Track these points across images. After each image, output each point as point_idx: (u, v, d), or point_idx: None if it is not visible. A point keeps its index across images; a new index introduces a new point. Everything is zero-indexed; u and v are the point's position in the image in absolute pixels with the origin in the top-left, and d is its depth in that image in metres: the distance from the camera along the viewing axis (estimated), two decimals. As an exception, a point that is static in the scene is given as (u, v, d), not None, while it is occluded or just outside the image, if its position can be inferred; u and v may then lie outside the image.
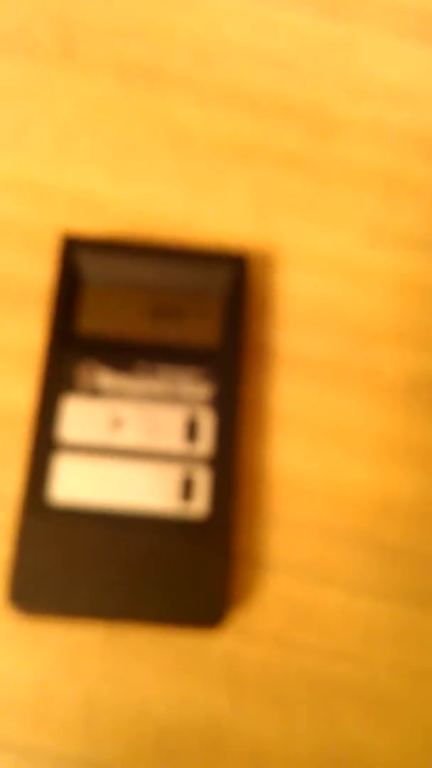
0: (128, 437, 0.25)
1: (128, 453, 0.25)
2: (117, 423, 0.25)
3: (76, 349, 0.26)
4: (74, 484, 0.24)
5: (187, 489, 0.24)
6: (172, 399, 0.25)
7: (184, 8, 0.34)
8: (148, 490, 0.24)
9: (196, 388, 0.26)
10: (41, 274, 0.28)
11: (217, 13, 0.34)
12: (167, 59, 0.33)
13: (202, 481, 0.24)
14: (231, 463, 0.25)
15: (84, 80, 0.32)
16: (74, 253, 0.27)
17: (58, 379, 0.25)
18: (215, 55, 0.33)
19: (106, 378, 0.26)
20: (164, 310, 0.27)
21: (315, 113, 0.32)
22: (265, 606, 0.24)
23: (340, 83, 0.33)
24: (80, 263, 0.27)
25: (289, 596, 0.25)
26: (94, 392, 0.25)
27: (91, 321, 0.27)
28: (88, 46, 0.33)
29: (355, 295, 0.29)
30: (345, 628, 0.24)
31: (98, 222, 0.29)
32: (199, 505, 0.24)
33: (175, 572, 0.23)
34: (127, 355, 0.26)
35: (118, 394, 0.25)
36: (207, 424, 0.25)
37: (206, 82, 0.32)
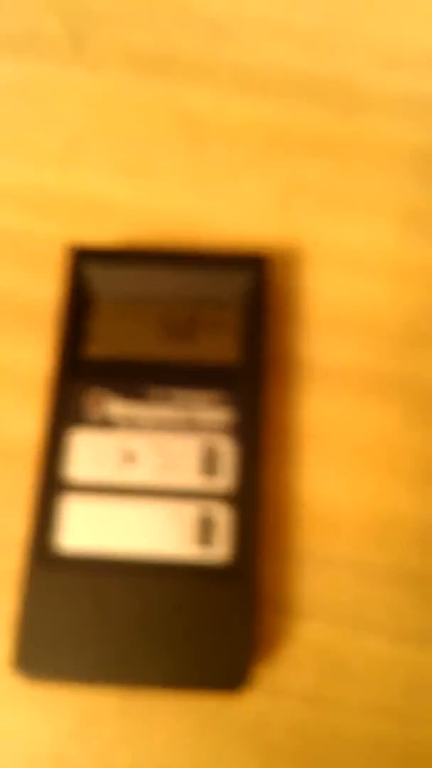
0: (141, 473, 0.23)
1: (141, 491, 0.22)
2: (129, 457, 0.23)
3: (84, 375, 0.24)
4: (83, 529, 0.22)
5: (206, 530, 0.22)
6: (188, 427, 0.23)
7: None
8: (164, 534, 0.22)
9: (214, 413, 0.23)
10: (47, 290, 0.26)
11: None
12: (179, 42, 0.30)
13: (223, 520, 0.22)
14: (254, 498, 0.22)
15: (93, 75, 0.29)
16: (81, 265, 0.25)
17: (65, 411, 0.23)
18: (230, 32, 0.30)
19: (116, 407, 0.23)
20: (178, 325, 0.24)
21: (341, 89, 0.29)
22: (296, 658, 0.22)
23: (370, 52, 0.29)
24: (88, 275, 0.25)
25: (321, 646, 0.22)
26: (104, 423, 0.23)
27: (101, 342, 0.24)
28: (98, 38, 0.30)
29: (391, 295, 0.26)
30: (385, 680, 0.22)
31: (108, 228, 0.27)
32: (220, 548, 0.22)
33: (193, 629, 0.21)
34: (139, 379, 0.24)
35: (130, 425, 0.23)
36: (227, 454, 0.23)
37: (220, 64, 0.29)
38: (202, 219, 0.27)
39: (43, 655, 0.21)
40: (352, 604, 0.22)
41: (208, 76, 0.29)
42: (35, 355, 0.25)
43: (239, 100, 0.29)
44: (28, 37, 0.30)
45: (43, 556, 0.22)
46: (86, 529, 0.22)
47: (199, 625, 0.21)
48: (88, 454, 0.23)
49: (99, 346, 0.24)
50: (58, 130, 0.29)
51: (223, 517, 0.22)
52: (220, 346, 0.24)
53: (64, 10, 0.31)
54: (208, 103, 0.29)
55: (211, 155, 0.28)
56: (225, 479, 0.22)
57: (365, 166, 0.27)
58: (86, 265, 0.25)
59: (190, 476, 0.23)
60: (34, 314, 0.26)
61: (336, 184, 0.27)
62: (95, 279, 0.25)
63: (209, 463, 0.23)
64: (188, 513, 0.22)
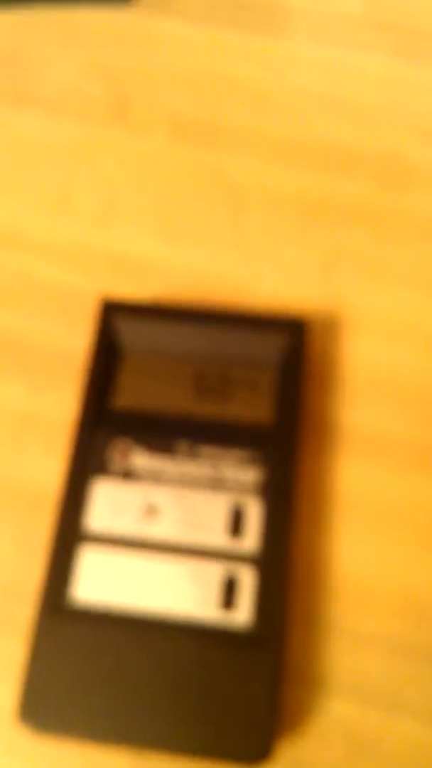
0: (163, 529, 0.22)
1: (162, 547, 0.21)
2: (151, 511, 0.22)
3: (109, 425, 0.23)
4: (99, 582, 0.21)
5: (229, 593, 0.21)
6: (215, 484, 0.22)
7: (244, 56, 0.32)
8: (184, 594, 0.21)
9: (242, 472, 0.22)
10: (80, 342, 0.26)
11: (279, 60, 0.32)
12: (224, 111, 0.31)
13: (247, 584, 0.21)
14: (282, 562, 0.21)
15: (135, 138, 0.30)
16: (113, 319, 0.25)
17: (87, 460, 0.23)
18: (276, 104, 0.31)
19: (141, 459, 0.23)
20: (211, 382, 0.24)
21: (383, 160, 0.29)
22: (321, 735, 0.20)
23: (412, 126, 0.30)
24: (119, 329, 0.25)
25: (349, 724, 0.20)
26: (128, 475, 0.22)
27: (129, 394, 0.24)
28: (142, 103, 0.31)
29: (429, 363, 0.25)
30: (417, 764, 0.20)
31: (146, 287, 0.27)
32: (243, 613, 0.20)
33: (212, 696, 0.19)
34: (166, 433, 0.23)
35: (155, 478, 0.22)
36: (254, 515, 0.22)
37: (265, 134, 0.30)
38: (240, 283, 0.27)
39: (50, 707, 0.19)
40: (384, 682, 0.21)
41: (250, 144, 0.30)
42: (63, 404, 0.25)
43: (280, 170, 0.29)
44: (71, 99, 0.31)
45: (55, 606, 0.20)
46: (102, 582, 0.21)
47: (217, 692, 0.19)
48: (109, 504, 0.22)
49: (126, 398, 0.24)
50: (99, 189, 0.29)
51: (247, 580, 0.21)
52: (252, 406, 0.23)
53: (107, 73, 0.32)
54: (250, 170, 0.29)
55: (252, 221, 0.28)
56: (251, 541, 0.21)
57: (405, 236, 0.27)
58: (115, 318, 0.25)
59: (214, 535, 0.21)
60: (66, 365, 0.25)
61: (376, 253, 0.27)
62: (124, 332, 0.25)
63: (236, 523, 0.22)
64: (211, 573, 0.21)
